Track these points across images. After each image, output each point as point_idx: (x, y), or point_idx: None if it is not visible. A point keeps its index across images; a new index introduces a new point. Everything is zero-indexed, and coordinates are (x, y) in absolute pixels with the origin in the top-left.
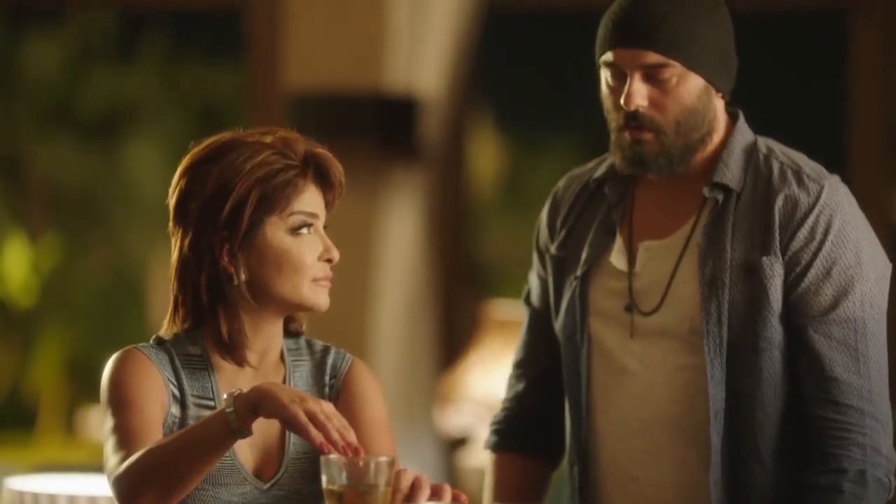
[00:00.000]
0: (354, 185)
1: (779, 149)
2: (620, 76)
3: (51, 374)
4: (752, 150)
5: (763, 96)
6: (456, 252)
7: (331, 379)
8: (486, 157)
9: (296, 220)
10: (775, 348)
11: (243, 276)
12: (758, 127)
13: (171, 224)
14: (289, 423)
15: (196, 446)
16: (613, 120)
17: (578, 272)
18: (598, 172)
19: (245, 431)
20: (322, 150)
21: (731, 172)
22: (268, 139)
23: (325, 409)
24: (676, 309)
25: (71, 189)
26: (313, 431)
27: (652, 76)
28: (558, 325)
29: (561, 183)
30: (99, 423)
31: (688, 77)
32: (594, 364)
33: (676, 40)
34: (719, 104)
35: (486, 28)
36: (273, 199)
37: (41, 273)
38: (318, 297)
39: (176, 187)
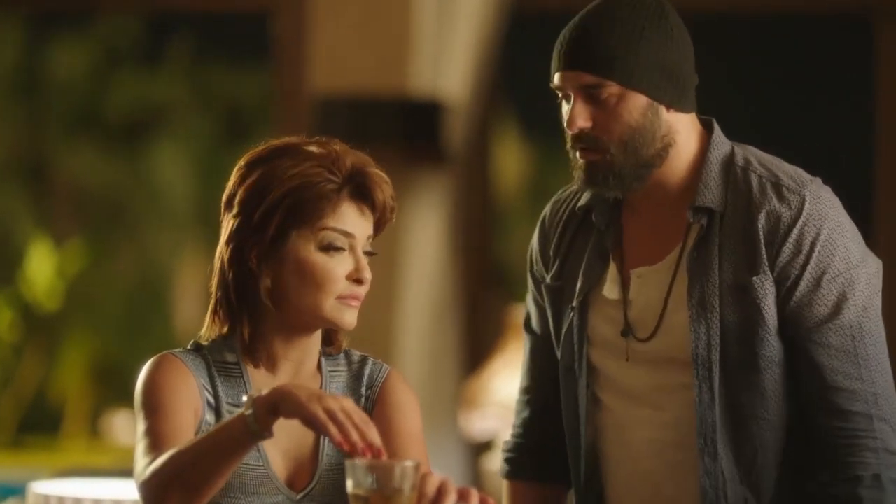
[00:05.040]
0: None
1: (756, 159)
2: (567, 98)
3: (76, 378)
4: (729, 164)
5: (786, 101)
6: (481, 255)
7: (367, 389)
8: (511, 160)
9: (326, 235)
10: (776, 366)
11: (267, 283)
12: (781, 133)
13: (221, 218)
14: (308, 421)
15: (218, 449)
16: (566, 141)
17: (574, 302)
18: (583, 200)
19: (265, 433)
20: (371, 170)
21: (713, 193)
22: (319, 150)
23: (345, 405)
24: (671, 335)
25: (97, 193)
26: (332, 429)
27: (593, 97)
28: (558, 354)
29: (547, 209)
30: (124, 426)
31: (627, 96)
32: (600, 390)
33: (610, 60)
34: (675, 118)
35: (510, 31)
36: (304, 210)
37: (67, 277)
38: (343, 315)
39: (229, 183)
